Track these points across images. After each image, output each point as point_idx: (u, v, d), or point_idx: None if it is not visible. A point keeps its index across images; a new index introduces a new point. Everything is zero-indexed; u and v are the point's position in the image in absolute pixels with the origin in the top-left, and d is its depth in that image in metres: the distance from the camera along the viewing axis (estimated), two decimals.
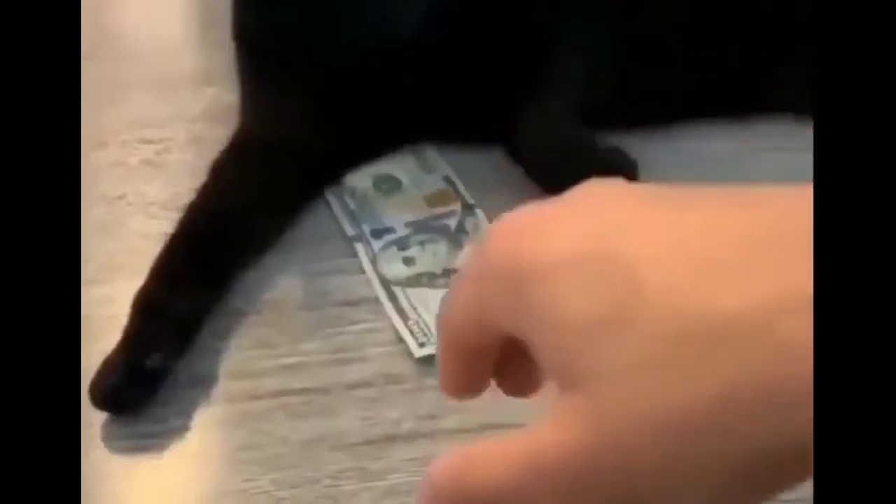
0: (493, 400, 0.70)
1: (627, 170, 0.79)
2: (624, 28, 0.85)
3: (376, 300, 0.78)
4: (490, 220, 0.83)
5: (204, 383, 0.73)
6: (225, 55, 0.92)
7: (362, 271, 0.80)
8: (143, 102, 0.98)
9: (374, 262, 0.81)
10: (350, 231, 0.83)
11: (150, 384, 0.70)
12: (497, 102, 0.86)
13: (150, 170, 0.91)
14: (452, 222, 0.84)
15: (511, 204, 0.77)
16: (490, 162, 0.89)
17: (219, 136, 0.89)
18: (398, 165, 0.89)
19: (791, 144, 0.79)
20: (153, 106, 0.97)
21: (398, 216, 0.85)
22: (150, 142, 0.93)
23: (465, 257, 0.81)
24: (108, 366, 0.69)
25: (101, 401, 0.69)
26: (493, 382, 0.39)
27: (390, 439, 0.70)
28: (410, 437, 0.70)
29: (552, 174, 0.81)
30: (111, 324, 0.73)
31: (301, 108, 0.85)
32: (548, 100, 0.83)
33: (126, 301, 0.74)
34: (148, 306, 0.73)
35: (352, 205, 0.85)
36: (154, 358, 0.70)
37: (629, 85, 0.85)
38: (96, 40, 1.04)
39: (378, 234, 0.83)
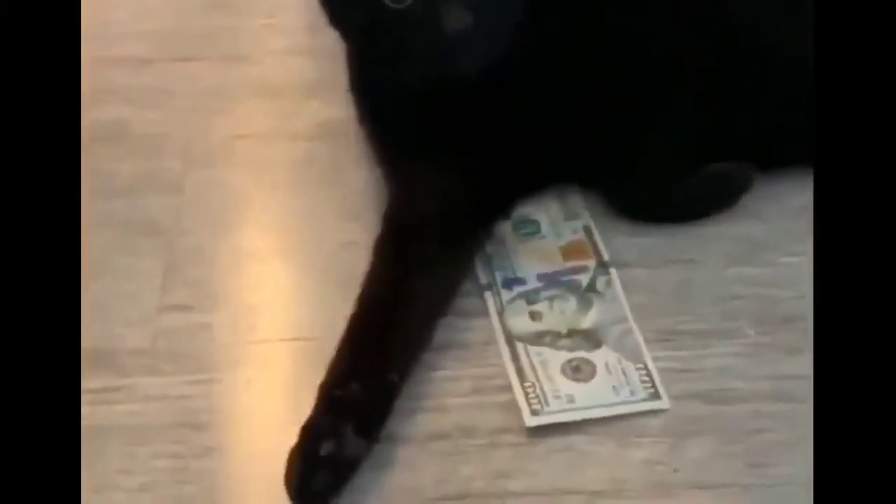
0: (563, 464, 0.72)
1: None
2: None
3: (465, 347, 0.79)
4: (623, 282, 0.82)
5: None
6: (330, 65, 0.91)
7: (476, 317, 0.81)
8: (245, 113, 0.99)
9: (501, 313, 0.81)
10: (483, 278, 0.84)
11: (331, 471, 0.70)
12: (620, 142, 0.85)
13: (256, 190, 0.93)
14: (584, 279, 0.83)
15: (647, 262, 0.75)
16: None
17: (324, 154, 0.91)
18: (541, 209, 0.89)
19: None
20: (256, 119, 0.98)
21: (532, 266, 0.84)
22: (255, 159, 0.95)
23: (591, 317, 0.80)
24: (291, 457, 0.71)
25: (291, 492, 0.70)
26: None
27: (461, 498, 0.71)
28: (481, 496, 0.71)
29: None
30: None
31: (443, 169, 0.84)
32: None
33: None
34: (324, 394, 0.73)
35: (489, 249, 0.86)
36: (327, 445, 0.70)
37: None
38: (192, 40, 1.06)
39: (509, 284, 0.83)
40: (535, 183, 0.89)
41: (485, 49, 0.78)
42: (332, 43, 0.89)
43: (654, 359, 0.78)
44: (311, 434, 0.71)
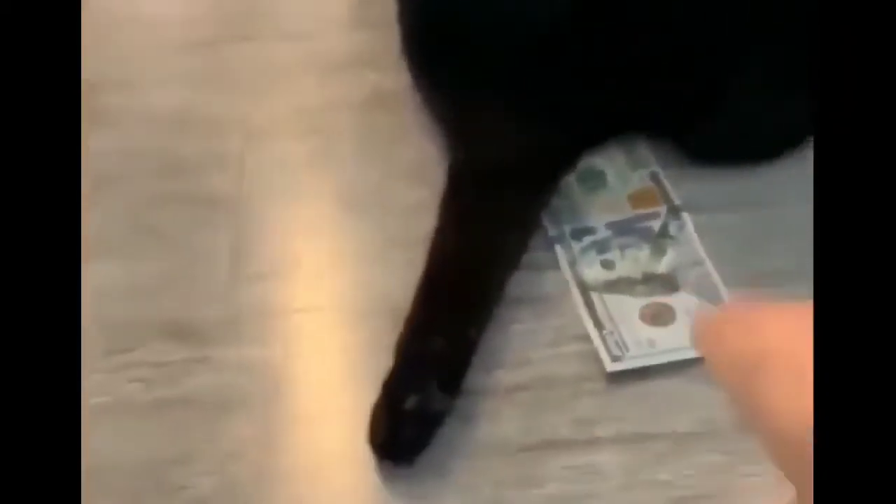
0: (648, 408, 0.71)
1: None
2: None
3: (539, 300, 0.78)
4: (696, 224, 0.81)
5: None
6: (385, 36, 0.91)
7: (547, 270, 0.80)
8: (303, 88, 0.99)
9: (572, 264, 0.80)
10: (551, 231, 0.83)
11: (417, 425, 0.70)
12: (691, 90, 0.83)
13: (319, 161, 0.93)
14: (656, 225, 0.82)
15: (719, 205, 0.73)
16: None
17: (383, 123, 0.91)
18: (605, 159, 0.88)
19: None
20: (314, 92, 0.98)
21: (600, 216, 0.83)
22: (316, 131, 0.94)
23: (666, 262, 0.79)
24: (374, 415, 0.71)
25: (377, 449, 0.70)
26: None
27: (549, 445, 0.71)
28: (567, 444, 0.70)
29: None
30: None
31: (509, 121, 0.84)
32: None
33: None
34: (403, 350, 0.73)
35: (555, 201, 0.85)
36: (412, 400, 0.70)
37: None
38: (251, 20, 1.06)
39: (578, 234, 0.82)
40: (604, 132, 0.88)
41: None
42: (385, 13, 0.89)
43: (734, 297, 0.76)
44: (395, 390, 0.70)
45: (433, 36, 0.86)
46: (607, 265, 0.80)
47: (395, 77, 0.93)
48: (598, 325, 0.76)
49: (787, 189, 0.83)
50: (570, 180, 0.86)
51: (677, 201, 0.83)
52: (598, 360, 0.74)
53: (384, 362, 0.73)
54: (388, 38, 0.92)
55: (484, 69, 0.83)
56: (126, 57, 1.03)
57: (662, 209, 0.83)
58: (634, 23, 0.81)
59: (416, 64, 0.89)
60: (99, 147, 0.92)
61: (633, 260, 0.80)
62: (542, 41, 0.80)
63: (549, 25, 0.78)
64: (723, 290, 0.77)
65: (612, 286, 0.78)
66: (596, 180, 0.86)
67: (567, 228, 0.83)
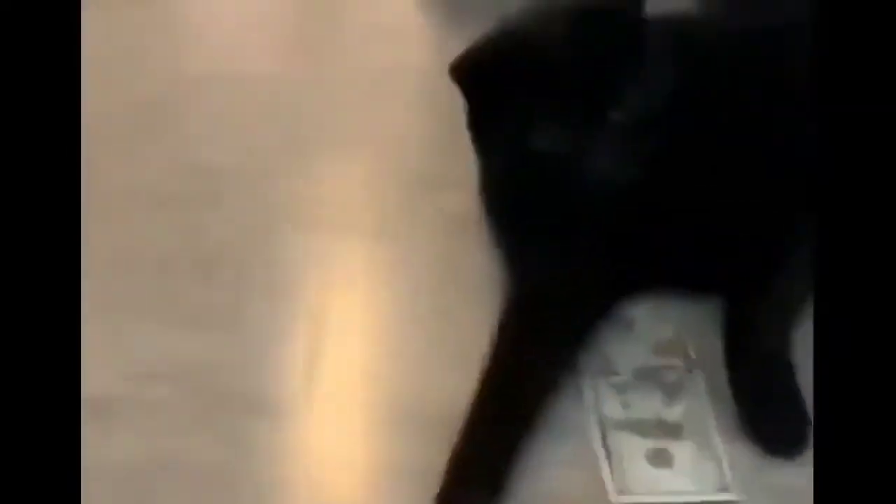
0: None
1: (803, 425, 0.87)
2: None
3: (562, 426, 0.89)
4: (707, 382, 0.93)
5: None
6: (461, 158, 1.01)
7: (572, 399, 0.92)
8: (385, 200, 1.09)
9: (596, 402, 0.92)
10: (582, 368, 0.95)
11: None
12: (723, 260, 0.94)
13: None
14: (672, 376, 0.94)
15: None
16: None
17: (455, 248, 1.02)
18: (638, 309, 1.00)
19: None
20: (392, 207, 1.09)
21: (625, 360, 0.96)
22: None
23: (675, 411, 0.91)
24: None
25: None
26: None
27: None
28: None
29: (746, 402, 0.89)
30: None
31: (560, 267, 0.96)
32: (769, 311, 0.92)
33: None
34: (453, 466, 0.84)
35: (589, 339, 0.97)
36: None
37: None
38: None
39: (605, 374, 0.94)
40: (639, 286, 1.00)
41: (620, 189, 0.89)
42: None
43: (730, 454, 0.88)
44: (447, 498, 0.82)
45: (511, 190, 0.97)
46: (625, 406, 0.92)
47: (470, 198, 1.03)
48: (609, 457, 0.88)
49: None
50: (605, 322, 0.99)
51: (694, 356, 0.95)
52: (605, 490, 0.86)
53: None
54: (465, 161, 1.01)
55: (548, 220, 0.95)
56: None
57: (680, 362, 0.95)
58: (695, 192, 0.93)
59: (492, 205, 1.00)
60: None
61: (649, 405, 0.92)
62: (607, 202, 0.92)
63: (617, 192, 0.91)
64: (720, 446, 0.89)
65: (626, 425, 0.90)
66: (626, 325, 0.99)
67: (595, 367, 0.95)
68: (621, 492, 0.85)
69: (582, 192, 0.89)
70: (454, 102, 0.95)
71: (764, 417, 0.88)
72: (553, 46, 0.88)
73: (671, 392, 0.93)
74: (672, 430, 0.90)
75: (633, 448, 0.88)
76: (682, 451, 0.88)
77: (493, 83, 0.89)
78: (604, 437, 0.89)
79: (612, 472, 0.87)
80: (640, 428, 0.90)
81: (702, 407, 0.91)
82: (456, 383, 0.90)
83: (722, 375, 0.93)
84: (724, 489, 0.86)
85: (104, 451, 0.86)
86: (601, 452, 0.88)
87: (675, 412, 0.91)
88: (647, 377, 0.94)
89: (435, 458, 0.85)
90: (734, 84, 0.97)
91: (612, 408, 0.92)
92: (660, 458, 0.88)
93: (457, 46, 0.94)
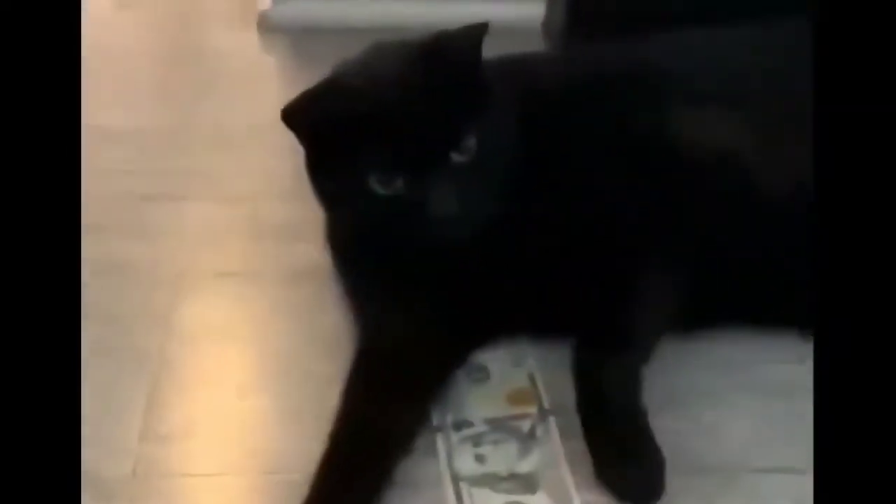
0: None
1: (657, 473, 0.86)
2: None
3: (415, 485, 0.87)
4: (560, 428, 0.92)
5: None
6: (317, 209, 0.97)
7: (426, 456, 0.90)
8: (234, 252, 1.09)
9: (449, 454, 0.90)
10: (435, 420, 0.93)
11: None
12: (571, 301, 0.93)
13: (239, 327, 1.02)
14: (526, 425, 0.93)
15: None
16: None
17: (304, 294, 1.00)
18: (492, 356, 0.99)
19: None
20: (243, 258, 1.08)
21: (479, 410, 0.94)
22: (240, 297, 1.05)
23: (528, 462, 0.90)
24: None
25: None
26: None
27: None
28: None
29: (601, 454, 0.88)
30: None
31: (407, 320, 0.94)
32: (619, 358, 0.91)
33: None
34: None
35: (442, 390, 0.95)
36: None
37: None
38: (192, 179, 1.16)
39: (458, 426, 0.93)
40: (490, 333, 0.98)
41: (464, 229, 0.87)
42: None
43: (585, 503, 0.87)
44: None
45: (353, 242, 0.96)
46: (480, 459, 0.90)
47: (321, 250, 1.03)
48: None
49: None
50: (459, 371, 0.97)
51: (547, 405, 0.94)
52: None
53: None
54: (318, 211, 1.01)
55: (389, 274, 0.94)
56: None
57: (534, 409, 0.94)
58: (543, 232, 0.92)
59: (336, 256, 0.99)
60: None
61: (503, 457, 0.90)
62: (442, 256, 0.91)
63: (450, 249, 0.89)
64: (574, 495, 0.87)
65: (481, 480, 0.88)
66: (480, 373, 0.97)
67: (449, 419, 0.93)
68: None
69: (426, 238, 0.88)
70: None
71: (618, 469, 0.87)
72: (391, 89, 0.87)
73: (525, 443, 0.91)
74: (527, 483, 0.88)
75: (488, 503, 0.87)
76: None
77: (328, 127, 0.86)
78: (458, 495, 0.87)
79: None
80: (495, 482, 0.88)
81: (555, 455, 0.90)
82: (305, 439, 0.88)
83: (576, 419, 0.92)
84: None
85: None
86: None
87: (528, 463, 0.90)
88: (501, 428, 0.93)
89: None
90: (579, 123, 0.96)
91: (466, 461, 0.90)
92: None
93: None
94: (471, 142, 0.86)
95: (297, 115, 0.86)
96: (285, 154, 1.16)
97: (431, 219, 0.85)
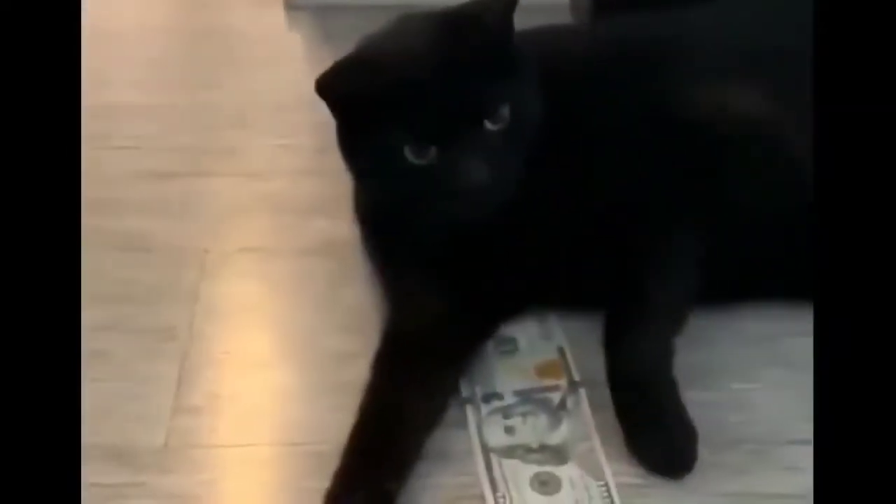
0: None
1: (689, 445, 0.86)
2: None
3: (447, 456, 0.87)
4: (590, 400, 0.91)
5: None
6: (336, 185, 1.00)
7: (457, 428, 0.90)
8: (258, 227, 1.09)
9: (479, 426, 0.90)
10: (464, 392, 0.93)
11: None
12: (599, 273, 0.93)
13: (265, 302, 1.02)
14: (556, 397, 0.92)
15: None
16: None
17: (322, 268, 1.00)
18: (520, 328, 0.98)
19: None
20: (266, 233, 1.08)
21: (508, 382, 0.94)
22: (263, 273, 1.05)
23: (559, 434, 0.89)
24: None
25: None
26: None
27: None
28: None
29: (631, 426, 0.88)
30: None
31: (436, 295, 0.94)
32: (649, 329, 0.90)
33: None
34: (329, 500, 0.82)
35: (472, 364, 0.95)
36: None
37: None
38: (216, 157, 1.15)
39: (488, 398, 0.92)
40: (518, 307, 0.98)
41: (496, 198, 0.87)
42: (339, 165, 1.00)
43: (615, 474, 0.86)
44: None
45: (383, 215, 0.96)
46: (509, 431, 0.90)
47: (342, 225, 1.04)
48: (494, 486, 0.85)
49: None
50: (488, 344, 0.97)
51: (577, 377, 0.94)
52: None
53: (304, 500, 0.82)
54: (338, 187, 1.01)
55: (419, 247, 0.94)
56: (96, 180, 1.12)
57: (564, 382, 0.93)
58: (572, 203, 0.92)
59: (365, 229, 0.99)
60: None
61: (532, 428, 0.90)
62: (472, 228, 0.91)
63: (473, 226, 0.89)
64: (605, 467, 0.87)
65: (511, 451, 0.88)
66: (509, 346, 0.97)
67: (478, 391, 0.93)
68: None
69: (458, 207, 0.88)
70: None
71: (649, 440, 0.87)
72: (423, 59, 0.86)
73: (555, 415, 0.91)
74: (557, 455, 0.88)
75: (518, 476, 0.86)
76: (568, 475, 0.86)
77: (361, 98, 0.86)
78: (488, 466, 0.87)
79: (496, 502, 0.84)
80: (525, 454, 0.88)
81: (585, 427, 0.90)
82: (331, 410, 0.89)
83: (606, 392, 0.91)
84: None
85: None
86: (485, 482, 0.86)
87: (558, 435, 0.89)
88: (531, 400, 0.92)
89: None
90: (605, 95, 0.96)
91: (496, 433, 0.89)
92: (546, 485, 0.86)
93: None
94: (504, 110, 0.86)
95: (331, 86, 0.85)
96: (310, 130, 1.18)
97: (464, 187, 0.85)
